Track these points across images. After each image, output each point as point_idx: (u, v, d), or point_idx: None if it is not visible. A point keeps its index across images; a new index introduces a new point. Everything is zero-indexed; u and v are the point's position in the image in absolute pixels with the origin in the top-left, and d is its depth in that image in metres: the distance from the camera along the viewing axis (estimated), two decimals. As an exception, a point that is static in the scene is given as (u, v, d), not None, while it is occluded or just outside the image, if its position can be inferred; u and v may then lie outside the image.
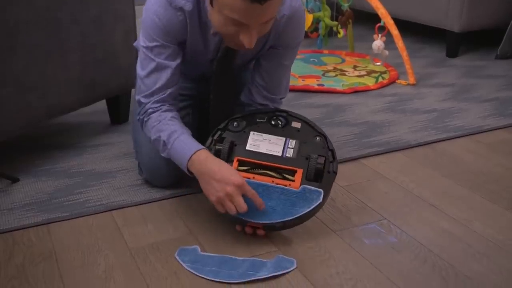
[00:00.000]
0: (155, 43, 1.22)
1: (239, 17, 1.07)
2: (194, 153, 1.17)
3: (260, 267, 1.10)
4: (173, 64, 1.24)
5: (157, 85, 1.24)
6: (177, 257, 1.14)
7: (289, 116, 1.31)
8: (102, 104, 1.82)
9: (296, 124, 1.29)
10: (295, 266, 1.11)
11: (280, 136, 1.26)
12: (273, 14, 1.10)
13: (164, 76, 1.24)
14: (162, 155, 1.24)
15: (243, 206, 1.12)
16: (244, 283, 1.06)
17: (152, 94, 1.25)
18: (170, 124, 1.23)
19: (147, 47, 1.23)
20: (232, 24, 1.09)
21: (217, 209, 1.16)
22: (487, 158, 1.60)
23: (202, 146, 1.20)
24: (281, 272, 1.09)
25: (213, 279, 1.07)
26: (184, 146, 1.19)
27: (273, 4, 1.07)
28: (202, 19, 1.21)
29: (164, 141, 1.22)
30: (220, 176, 1.13)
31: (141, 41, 1.25)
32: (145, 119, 1.27)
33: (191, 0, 1.18)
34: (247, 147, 1.25)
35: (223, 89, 1.33)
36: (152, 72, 1.24)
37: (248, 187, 1.13)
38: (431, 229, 1.25)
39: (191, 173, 1.20)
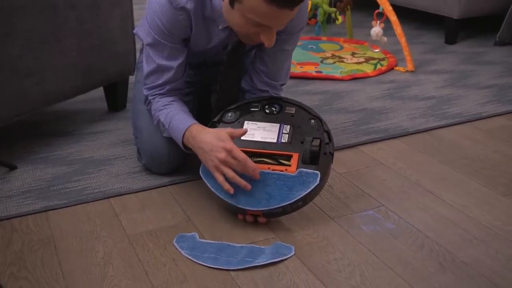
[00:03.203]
0: (156, 42, 1.24)
1: (264, 21, 1.08)
2: (186, 129, 1.22)
3: (258, 253, 1.10)
4: (175, 63, 1.26)
5: (158, 82, 1.29)
6: (175, 244, 1.14)
7: (283, 102, 1.30)
8: (99, 91, 1.81)
9: (290, 110, 1.29)
10: (293, 252, 1.12)
11: (275, 122, 1.26)
12: (294, 14, 1.11)
13: (165, 76, 1.28)
14: (164, 135, 1.31)
15: (241, 166, 1.14)
16: (242, 269, 1.07)
17: (152, 88, 1.31)
18: (167, 107, 1.28)
19: (148, 44, 1.26)
20: (254, 25, 1.10)
21: (217, 180, 1.16)
22: (485, 145, 1.60)
23: (193, 121, 1.23)
24: (279, 259, 1.09)
25: (211, 265, 1.08)
26: (178, 124, 1.24)
27: (299, 6, 1.08)
28: (205, 14, 1.21)
29: (162, 123, 1.28)
30: (210, 146, 1.16)
31: (144, 37, 1.27)
32: (148, 107, 1.34)
33: None
34: (242, 137, 1.25)
35: (230, 81, 1.34)
36: (152, 72, 1.29)
37: (239, 152, 1.14)
38: (428, 215, 1.25)
39: (189, 149, 1.24)
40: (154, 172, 1.40)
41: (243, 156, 1.14)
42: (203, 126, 1.23)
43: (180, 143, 1.25)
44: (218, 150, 1.14)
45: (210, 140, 1.17)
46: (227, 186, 1.16)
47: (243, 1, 1.07)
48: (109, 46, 1.65)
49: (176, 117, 1.25)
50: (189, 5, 1.18)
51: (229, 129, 1.19)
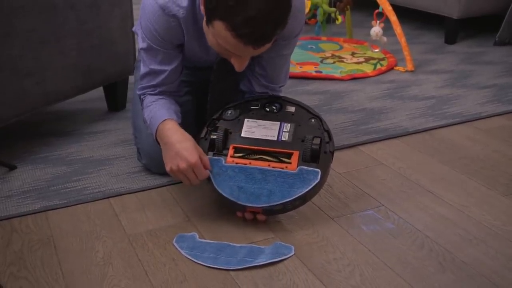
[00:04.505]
0: (150, 47, 1.24)
1: (232, 49, 1.08)
2: (160, 123, 1.22)
3: (258, 253, 1.10)
4: (168, 68, 1.26)
5: (150, 84, 1.29)
6: (175, 244, 1.14)
7: (283, 101, 1.30)
8: (99, 91, 1.81)
9: (290, 108, 1.29)
10: (293, 252, 1.12)
11: (275, 121, 1.26)
12: (267, 48, 1.10)
13: (158, 78, 1.28)
14: (148, 132, 1.30)
15: (195, 180, 1.17)
16: (242, 269, 1.07)
17: (144, 88, 1.31)
18: (153, 104, 1.28)
19: (142, 49, 1.26)
20: (224, 49, 1.10)
21: (172, 176, 1.21)
22: (485, 145, 1.60)
23: (168, 116, 1.23)
24: (279, 259, 1.09)
25: (211, 265, 1.08)
26: (155, 121, 1.24)
27: (267, 46, 1.08)
28: (198, 24, 1.20)
29: (145, 119, 1.28)
30: (176, 150, 1.16)
31: (139, 41, 1.27)
32: (141, 107, 1.34)
33: (185, 7, 1.16)
34: (242, 134, 1.25)
35: (221, 86, 1.34)
36: (146, 75, 1.29)
37: (201, 169, 1.16)
38: (428, 215, 1.25)
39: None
40: (154, 172, 1.40)
41: (205, 174, 1.17)
42: (176, 124, 1.21)
43: (154, 137, 1.24)
44: (182, 159, 1.15)
45: (179, 146, 1.16)
46: (187, 182, 1.19)
47: (214, 26, 1.06)
48: (109, 46, 1.65)
49: (157, 113, 1.24)
50: (181, 14, 1.17)
51: (200, 149, 1.19)
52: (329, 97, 1.95)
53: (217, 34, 1.07)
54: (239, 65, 1.13)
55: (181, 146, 1.16)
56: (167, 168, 1.19)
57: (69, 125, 1.70)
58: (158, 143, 1.24)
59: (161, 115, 1.23)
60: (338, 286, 1.03)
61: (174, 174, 1.18)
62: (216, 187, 1.19)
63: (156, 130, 1.22)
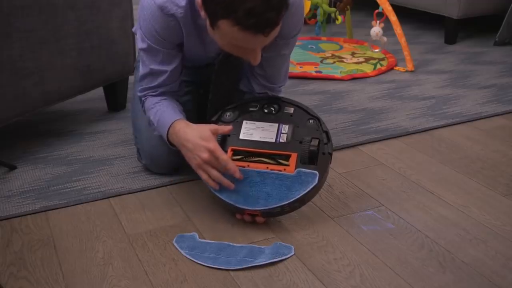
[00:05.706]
0: (150, 48, 1.23)
1: (242, 44, 1.08)
2: (170, 126, 1.22)
3: (258, 253, 1.10)
4: (168, 68, 1.26)
5: (151, 85, 1.29)
6: (175, 244, 1.14)
7: (282, 102, 1.30)
8: (99, 91, 1.81)
9: (289, 109, 1.29)
10: (293, 252, 1.12)
11: (274, 122, 1.26)
12: (276, 34, 1.10)
13: (159, 79, 1.28)
14: (155, 134, 1.31)
15: (227, 164, 1.14)
16: (242, 269, 1.07)
17: (145, 90, 1.31)
18: (156, 105, 1.28)
19: (142, 49, 1.26)
20: (236, 47, 1.10)
21: (201, 177, 1.19)
22: (485, 145, 1.60)
23: (177, 117, 1.23)
24: (279, 259, 1.09)
25: (211, 265, 1.08)
26: (164, 121, 1.24)
27: (277, 30, 1.08)
28: (197, 23, 1.20)
29: (152, 121, 1.28)
30: (192, 146, 1.17)
31: (139, 42, 1.26)
32: (142, 108, 1.34)
33: (183, 6, 1.16)
34: (241, 136, 1.25)
35: (223, 86, 1.34)
36: (146, 75, 1.29)
37: (221, 152, 1.15)
38: (428, 215, 1.25)
39: (175, 146, 1.25)
40: (154, 172, 1.40)
41: (225, 157, 1.15)
42: (187, 122, 1.22)
43: (166, 140, 1.25)
44: (201, 150, 1.15)
45: (193, 139, 1.17)
46: (211, 183, 1.17)
47: (220, 27, 1.06)
48: (108, 46, 1.65)
49: (163, 114, 1.25)
50: (179, 13, 1.17)
51: (213, 126, 1.20)
52: (329, 97, 1.95)
53: (225, 34, 1.07)
54: (254, 59, 1.13)
55: (195, 139, 1.16)
56: (193, 167, 1.19)
57: (69, 125, 1.70)
58: (172, 145, 1.25)
59: (168, 117, 1.23)
60: (338, 286, 1.03)
61: (201, 169, 1.17)
62: (213, 190, 1.19)
63: (168, 134, 1.23)
